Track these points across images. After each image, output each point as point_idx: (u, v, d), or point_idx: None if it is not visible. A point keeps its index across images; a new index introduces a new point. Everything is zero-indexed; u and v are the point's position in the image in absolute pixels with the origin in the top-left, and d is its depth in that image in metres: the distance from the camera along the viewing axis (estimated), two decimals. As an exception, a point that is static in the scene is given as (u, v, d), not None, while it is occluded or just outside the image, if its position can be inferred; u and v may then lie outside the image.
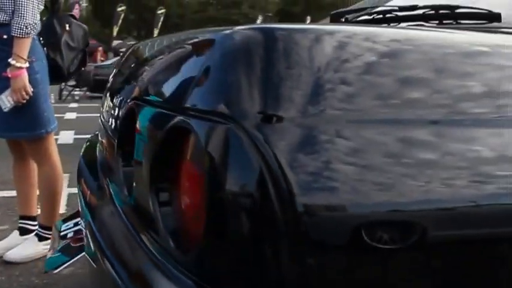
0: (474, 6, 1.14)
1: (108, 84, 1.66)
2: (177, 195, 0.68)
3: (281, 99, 0.58)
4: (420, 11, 1.25)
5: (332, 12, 1.56)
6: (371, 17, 1.40)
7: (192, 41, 0.77)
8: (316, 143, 0.57)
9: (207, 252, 0.59)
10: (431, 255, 0.59)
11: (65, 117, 8.38)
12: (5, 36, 2.05)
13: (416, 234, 0.57)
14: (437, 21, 1.23)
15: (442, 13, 1.20)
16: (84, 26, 2.49)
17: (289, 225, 0.55)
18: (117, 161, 0.96)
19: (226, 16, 39.75)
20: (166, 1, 35.33)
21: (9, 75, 2.03)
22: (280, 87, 0.59)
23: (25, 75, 2.06)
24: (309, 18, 29.03)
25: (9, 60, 2.02)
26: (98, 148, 1.59)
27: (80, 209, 1.42)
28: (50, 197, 2.32)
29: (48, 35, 2.29)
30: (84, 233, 1.16)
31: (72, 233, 1.42)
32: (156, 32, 24.03)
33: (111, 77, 1.69)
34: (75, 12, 10.43)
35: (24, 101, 2.08)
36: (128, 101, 0.92)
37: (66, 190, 3.01)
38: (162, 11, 24.13)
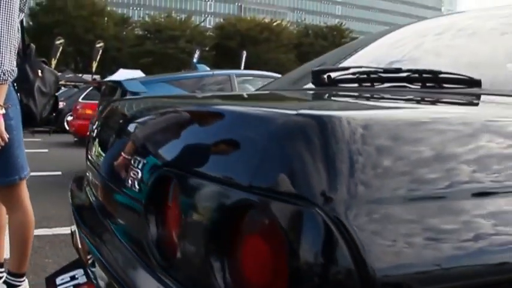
0: (456, 72, 1.24)
1: (94, 133, 1.69)
2: (237, 267, 0.72)
3: (355, 183, 0.64)
4: (404, 74, 1.34)
5: (314, 69, 1.63)
6: (355, 76, 1.49)
7: (242, 118, 0.81)
8: (388, 221, 0.63)
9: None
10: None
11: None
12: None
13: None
14: (420, 84, 1.33)
15: (426, 77, 1.30)
16: (55, 71, 2.47)
17: None
18: (144, 225, 0.98)
19: (163, 50, 39.75)
20: (104, 34, 34.89)
21: (-14, 122, 1.98)
22: (352, 171, 0.65)
23: (1, 121, 2.01)
24: (245, 53, 29.48)
25: (-14, 107, 1.98)
26: (89, 191, 1.60)
27: (82, 257, 1.41)
28: (21, 243, 2.25)
29: (22, 81, 2.25)
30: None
31: (72, 287, 1.40)
32: (94, 64, 23.64)
33: (96, 126, 1.72)
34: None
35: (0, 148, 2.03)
36: (159, 166, 0.94)
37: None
38: (101, 44, 23.83)
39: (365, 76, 1.45)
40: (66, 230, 3.68)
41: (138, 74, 22.04)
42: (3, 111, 2.03)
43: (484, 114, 0.94)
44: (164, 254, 0.93)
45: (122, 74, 21.38)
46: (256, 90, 2.08)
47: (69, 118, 12.01)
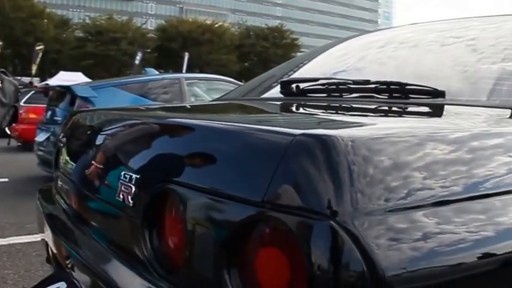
0: (422, 84, 1.32)
1: (67, 145, 1.68)
2: (251, 278, 0.75)
3: (361, 195, 0.69)
4: (372, 85, 1.41)
5: (282, 80, 1.68)
6: (324, 87, 1.54)
7: (253, 135, 0.84)
8: (398, 230, 0.69)
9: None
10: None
11: None
12: None
13: None
14: (387, 95, 1.40)
15: (393, 88, 1.37)
16: (15, 81, 2.41)
17: None
18: (140, 237, 0.99)
19: (104, 52, 38.84)
20: (43, 37, 33.73)
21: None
22: (358, 185, 0.70)
23: None
24: (187, 54, 29.20)
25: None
26: (60, 199, 1.59)
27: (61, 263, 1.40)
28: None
29: (-19, 92, 2.19)
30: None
31: None
32: (34, 67, 22.80)
33: (69, 137, 1.71)
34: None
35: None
36: (157, 182, 0.96)
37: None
38: (41, 47, 23.00)
39: (334, 87, 1.51)
40: (21, 239, 3.59)
41: (79, 76, 21.46)
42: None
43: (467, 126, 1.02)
44: (164, 264, 0.95)
45: (62, 77, 20.75)
46: (223, 98, 2.10)
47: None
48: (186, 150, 0.96)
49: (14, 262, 3.16)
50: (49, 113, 6.00)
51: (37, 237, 3.47)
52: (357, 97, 1.47)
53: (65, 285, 1.38)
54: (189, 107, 1.98)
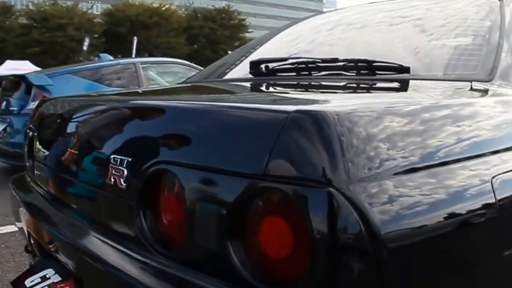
0: (388, 61, 1.39)
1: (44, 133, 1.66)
2: (255, 245, 0.80)
3: (355, 164, 0.75)
4: (341, 63, 1.47)
5: (251, 61, 1.71)
6: (293, 66, 1.59)
7: (244, 112, 0.88)
8: (388, 193, 0.75)
9: (318, 281, 0.73)
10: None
11: None
12: None
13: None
14: (355, 72, 1.46)
15: (360, 65, 1.44)
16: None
17: (376, 254, 0.72)
18: (136, 220, 1.02)
19: (51, 39, 37.48)
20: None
21: None
22: (352, 155, 0.75)
23: None
24: (135, 39, 28.58)
25: None
26: (39, 186, 1.62)
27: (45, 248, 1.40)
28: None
29: None
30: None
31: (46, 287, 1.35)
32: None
33: (47, 126, 1.69)
34: None
35: None
36: (153, 164, 0.98)
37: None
38: (-16, 35, 21.97)
39: (303, 66, 1.56)
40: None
41: (26, 64, 20.66)
42: None
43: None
44: (162, 242, 0.99)
45: (9, 66, 19.94)
46: (191, 81, 2.11)
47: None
48: (181, 131, 0.99)
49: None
50: (4, 103, 5.80)
51: (3, 230, 3.41)
52: (325, 75, 1.53)
53: (53, 272, 1.38)
54: (166, 90, 1.98)
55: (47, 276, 1.37)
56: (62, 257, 1.32)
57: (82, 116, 1.39)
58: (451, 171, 0.87)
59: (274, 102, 1.14)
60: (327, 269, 0.73)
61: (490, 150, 1.00)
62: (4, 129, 5.42)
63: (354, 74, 1.45)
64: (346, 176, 0.74)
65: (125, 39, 33.84)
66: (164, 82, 6.07)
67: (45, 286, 1.35)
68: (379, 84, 1.37)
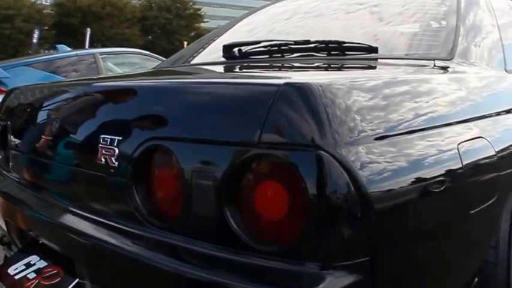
0: (358, 42, 1.48)
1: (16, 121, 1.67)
2: (251, 209, 0.87)
3: (342, 129, 0.83)
4: (312, 45, 1.55)
5: (225, 44, 1.76)
6: (266, 49, 1.66)
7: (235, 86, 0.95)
8: (372, 155, 0.84)
9: (313, 237, 0.81)
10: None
11: None
12: None
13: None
14: (326, 53, 1.55)
15: (331, 46, 1.52)
16: None
17: (364, 210, 0.81)
18: (129, 196, 1.07)
19: (-2, 31, 36.17)
20: None
21: None
22: (338, 121, 0.84)
23: None
24: (88, 30, 27.96)
25: None
26: (16, 174, 1.64)
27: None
28: None
29: None
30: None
31: (33, 274, 1.35)
32: None
33: (18, 115, 1.69)
34: None
35: None
36: (145, 140, 1.04)
37: None
38: None
39: (276, 48, 1.63)
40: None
41: (-27, 58, 19.85)
42: None
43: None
44: (157, 215, 1.04)
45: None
46: (166, 67, 2.15)
47: None
48: (173, 108, 1.04)
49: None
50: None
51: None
52: (298, 56, 1.61)
53: (38, 258, 1.40)
54: (145, 73, 2.01)
55: (32, 262, 1.39)
56: (50, 242, 1.34)
57: (64, 101, 1.42)
58: (424, 137, 0.97)
59: (260, 78, 1.21)
60: (320, 226, 0.81)
61: (458, 119, 1.11)
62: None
63: (325, 55, 1.54)
64: (333, 140, 0.82)
65: (77, 31, 33.04)
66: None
67: (30, 272, 1.36)
68: (352, 63, 1.46)
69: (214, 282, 0.86)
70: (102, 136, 1.15)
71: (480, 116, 1.25)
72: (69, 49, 6.72)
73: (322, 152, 0.80)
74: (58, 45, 6.79)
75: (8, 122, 1.73)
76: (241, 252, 0.87)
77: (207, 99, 0.98)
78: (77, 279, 1.20)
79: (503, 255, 1.23)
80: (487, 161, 1.16)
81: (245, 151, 0.86)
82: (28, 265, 1.38)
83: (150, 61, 6.51)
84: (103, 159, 1.14)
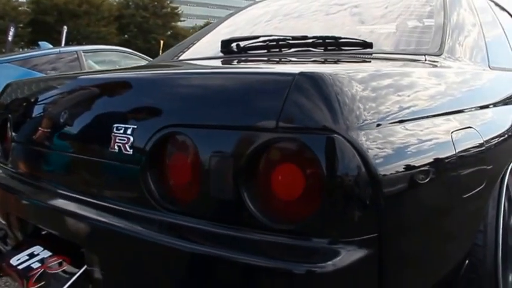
0: (353, 37, 1.56)
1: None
2: (269, 191, 0.93)
3: (355, 115, 0.90)
4: (310, 40, 1.62)
5: (223, 40, 1.82)
6: (264, 44, 1.73)
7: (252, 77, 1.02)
8: (381, 139, 0.91)
9: (327, 215, 0.88)
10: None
11: None
12: None
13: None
14: (323, 48, 1.62)
15: (328, 42, 1.59)
16: None
17: (375, 189, 0.89)
18: (143, 182, 1.11)
19: (-29, 29, 35.40)
20: None
21: None
22: (352, 107, 0.91)
23: None
24: (65, 28, 27.62)
25: None
26: (17, 167, 1.66)
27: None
28: None
29: None
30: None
31: (37, 263, 1.35)
32: None
33: (19, 108, 1.72)
34: None
35: None
36: (161, 128, 1.09)
37: None
38: None
39: (274, 43, 1.70)
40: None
41: None
42: None
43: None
44: (172, 199, 1.09)
45: None
46: (166, 61, 2.19)
47: None
48: (188, 97, 1.10)
49: None
50: None
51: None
52: (296, 51, 1.67)
53: (41, 248, 1.41)
54: (148, 66, 2.05)
55: (35, 253, 1.40)
56: (58, 231, 1.36)
57: (73, 92, 1.46)
58: (422, 125, 1.07)
59: (275, 68, 1.28)
60: (333, 204, 0.88)
61: (452, 110, 1.20)
62: None
63: (322, 50, 1.61)
64: (345, 124, 0.89)
65: (53, 29, 32.57)
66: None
67: (34, 262, 1.37)
68: (349, 57, 1.54)
69: (234, 259, 0.92)
70: (116, 125, 1.19)
71: (470, 108, 1.34)
72: (50, 46, 6.68)
73: (335, 135, 0.87)
74: (40, 42, 6.75)
75: (9, 115, 1.75)
76: (258, 231, 0.93)
77: (225, 87, 1.04)
78: (85, 267, 1.23)
79: (490, 239, 1.32)
80: (475, 149, 1.25)
81: (264, 135, 0.92)
82: (31, 255, 1.39)
83: (131, 59, 6.52)
84: (116, 148, 1.18)
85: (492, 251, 1.32)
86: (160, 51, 15.19)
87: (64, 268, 1.30)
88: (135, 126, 1.15)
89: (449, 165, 1.11)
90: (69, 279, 1.24)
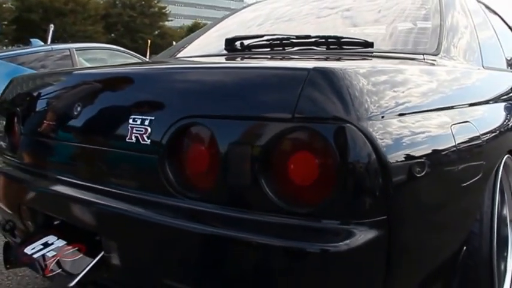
0: (355, 37, 1.64)
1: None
2: (285, 177, 1.01)
3: (365, 106, 0.98)
4: (313, 39, 1.70)
5: (227, 38, 1.89)
6: (268, 42, 1.80)
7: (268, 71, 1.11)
8: (390, 128, 1.00)
9: (340, 198, 0.96)
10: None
11: None
12: None
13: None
14: (325, 46, 1.70)
15: (330, 41, 1.68)
16: None
17: (384, 175, 0.97)
18: (160, 171, 1.18)
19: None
20: None
21: None
22: (362, 100, 0.99)
23: None
24: (52, 26, 27.44)
25: None
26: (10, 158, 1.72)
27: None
28: None
29: None
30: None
31: (53, 252, 1.40)
32: None
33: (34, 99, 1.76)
34: None
35: None
36: (179, 119, 1.16)
37: None
38: None
39: (278, 42, 1.78)
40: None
41: None
42: None
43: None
44: (191, 187, 1.16)
45: None
46: (170, 57, 2.26)
47: None
48: (208, 89, 1.17)
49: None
50: None
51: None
52: (299, 49, 1.75)
53: (55, 238, 1.45)
54: (159, 62, 2.12)
55: (49, 242, 1.44)
56: (73, 220, 1.42)
57: (87, 86, 1.51)
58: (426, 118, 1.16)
59: (289, 63, 1.36)
60: (346, 189, 0.95)
61: (451, 104, 1.30)
62: None
63: (325, 49, 1.69)
64: (356, 115, 0.97)
65: (38, 27, 32.31)
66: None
67: (50, 251, 1.41)
68: (352, 56, 1.62)
69: (252, 240, 1.00)
70: (133, 117, 1.26)
71: (467, 103, 1.43)
72: (42, 43, 6.69)
73: (348, 124, 0.95)
74: (32, 40, 6.75)
75: (18, 109, 1.79)
76: (274, 214, 1.01)
77: (243, 80, 1.12)
78: (102, 253, 1.29)
79: (486, 227, 1.41)
80: (473, 142, 1.34)
81: (280, 125, 1.00)
82: (46, 244, 1.44)
83: (121, 57, 6.55)
84: (134, 138, 1.24)
85: (488, 239, 1.41)
86: (148, 51, 15.21)
87: (80, 256, 1.36)
88: (153, 118, 1.22)
89: (449, 156, 1.20)
90: (86, 266, 1.29)
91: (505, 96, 1.85)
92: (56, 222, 1.54)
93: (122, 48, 6.95)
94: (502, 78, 2.03)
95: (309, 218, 0.99)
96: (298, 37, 1.73)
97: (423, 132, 1.12)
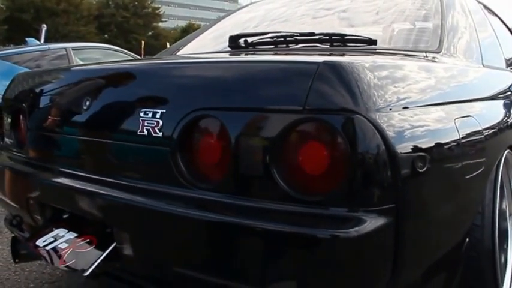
0: (358, 34, 1.69)
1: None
2: (296, 166, 1.06)
3: (373, 99, 1.03)
4: (316, 37, 1.75)
5: (231, 35, 1.94)
6: (272, 39, 1.85)
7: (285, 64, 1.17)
8: (397, 119, 1.05)
9: (350, 186, 1.01)
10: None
11: None
12: None
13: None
14: (329, 44, 1.75)
15: (334, 38, 1.72)
16: None
17: (393, 165, 1.02)
18: (172, 163, 1.22)
19: None
20: None
21: None
22: (370, 92, 1.04)
23: None
24: (44, 26, 27.36)
25: None
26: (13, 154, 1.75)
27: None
28: None
29: None
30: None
31: (64, 244, 1.43)
32: None
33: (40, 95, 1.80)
34: None
35: None
36: (190, 111, 1.20)
37: None
38: None
39: (281, 39, 1.82)
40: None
41: None
42: None
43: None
44: (202, 178, 1.20)
45: None
46: (175, 55, 2.30)
47: None
48: (219, 82, 1.21)
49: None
50: None
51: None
52: (302, 47, 1.80)
53: (66, 231, 1.48)
54: (172, 57, 2.16)
55: (60, 234, 1.48)
56: (85, 213, 1.45)
57: (96, 81, 1.55)
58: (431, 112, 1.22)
59: (298, 57, 1.41)
60: (356, 178, 1.00)
61: (454, 99, 1.35)
62: None
63: (328, 46, 1.74)
64: (365, 107, 1.02)
65: (30, 27, 32.24)
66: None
67: (62, 243, 1.45)
68: (356, 53, 1.67)
69: (265, 227, 1.04)
70: (144, 110, 1.30)
71: (470, 99, 1.49)
72: (38, 42, 6.72)
73: (357, 115, 1.00)
74: (28, 39, 6.78)
75: (23, 105, 1.82)
76: (286, 203, 1.05)
77: (253, 74, 1.16)
78: (114, 244, 1.33)
79: (488, 220, 1.46)
80: (475, 135, 1.39)
81: (292, 117, 1.04)
82: (57, 237, 1.48)
83: (116, 57, 6.58)
84: (145, 131, 1.28)
85: (489, 231, 1.46)
86: (142, 52, 15.24)
87: (92, 247, 1.39)
88: (164, 111, 1.26)
89: (453, 149, 1.25)
90: (99, 257, 1.33)
91: (505, 94, 1.91)
92: (65, 216, 1.57)
93: (118, 48, 6.99)
94: (501, 76, 2.09)
95: (320, 206, 1.03)
96: (302, 34, 1.78)
97: (428, 125, 1.17)
